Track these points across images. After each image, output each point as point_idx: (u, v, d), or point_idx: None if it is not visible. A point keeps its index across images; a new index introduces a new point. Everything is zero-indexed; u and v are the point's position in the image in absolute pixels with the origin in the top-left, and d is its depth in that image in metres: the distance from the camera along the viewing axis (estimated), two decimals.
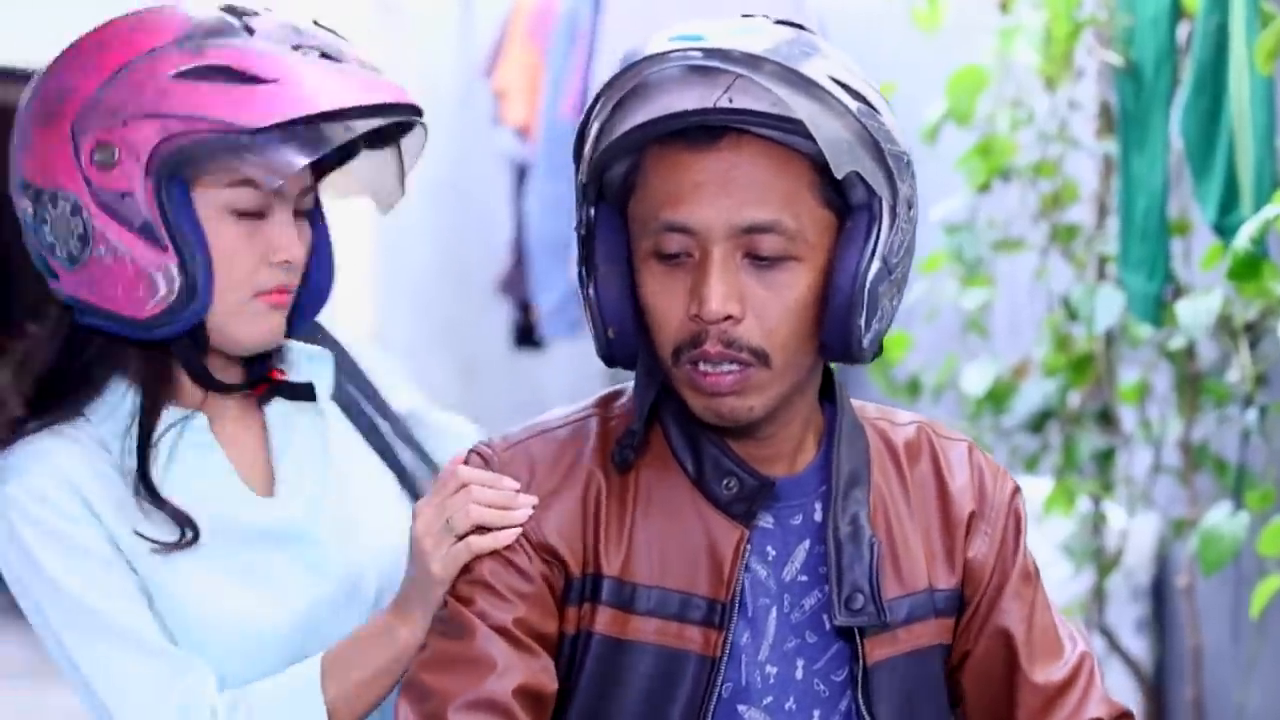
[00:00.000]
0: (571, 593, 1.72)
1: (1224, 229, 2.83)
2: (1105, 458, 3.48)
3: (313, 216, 1.98)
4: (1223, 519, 2.88)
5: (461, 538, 1.74)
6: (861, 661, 1.73)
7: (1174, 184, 3.19)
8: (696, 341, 1.66)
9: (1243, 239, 2.62)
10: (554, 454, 1.76)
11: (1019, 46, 3.40)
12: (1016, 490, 1.86)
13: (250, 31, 1.87)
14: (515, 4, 5.59)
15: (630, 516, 1.73)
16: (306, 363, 2.03)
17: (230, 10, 1.90)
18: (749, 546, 1.73)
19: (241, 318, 1.91)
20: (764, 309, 1.66)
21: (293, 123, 1.83)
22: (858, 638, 1.73)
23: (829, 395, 1.80)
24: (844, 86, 1.66)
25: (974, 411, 3.69)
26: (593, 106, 1.70)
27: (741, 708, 1.72)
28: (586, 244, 1.73)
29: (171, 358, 1.93)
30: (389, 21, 7.98)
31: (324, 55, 1.89)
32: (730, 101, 1.63)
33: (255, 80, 1.84)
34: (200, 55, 1.84)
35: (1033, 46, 3.36)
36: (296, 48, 1.87)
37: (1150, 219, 3.11)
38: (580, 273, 1.75)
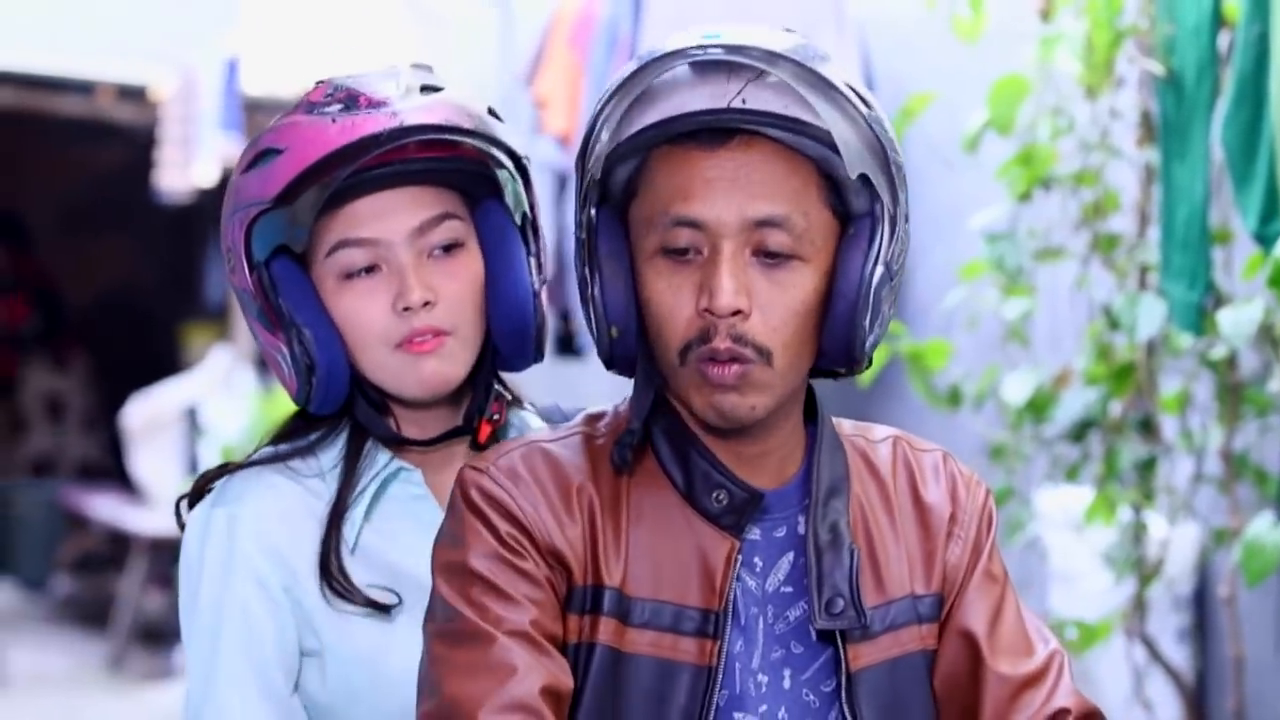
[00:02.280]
0: (574, 601, 1.73)
1: (1265, 238, 2.83)
2: (1146, 467, 3.47)
3: (492, 249, 1.97)
4: (1265, 529, 2.87)
5: None
6: (845, 667, 1.74)
7: (1215, 193, 3.18)
8: (705, 338, 1.68)
9: None
10: (548, 467, 1.76)
11: (1060, 55, 3.40)
12: (988, 494, 1.88)
13: (300, 105, 1.94)
14: (556, 12, 5.60)
15: (624, 530, 1.74)
16: (516, 426, 2.03)
17: (319, 87, 1.96)
18: (739, 557, 1.74)
19: (390, 372, 1.94)
20: (770, 307, 1.68)
21: (300, 182, 1.88)
22: (840, 643, 1.74)
23: (809, 415, 1.82)
24: (856, 93, 1.69)
25: (1015, 421, 3.69)
26: (602, 108, 1.72)
27: (738, 715, 1.74)
28: (589, 245, 1.74)
29: (386, 405, 1.98)
30: (429, 31, 8.00)
31: (347, 107, 1.91)
32: (744, 102, 1.66)
33: (274, 153, 1.91)
34: (254, 145, 1.94)
35: (1074, 55, 3.36)
36: (310, 110, 1.92)
37: (1191, 228, 3.10)
38: (583, 274, 1.75)
